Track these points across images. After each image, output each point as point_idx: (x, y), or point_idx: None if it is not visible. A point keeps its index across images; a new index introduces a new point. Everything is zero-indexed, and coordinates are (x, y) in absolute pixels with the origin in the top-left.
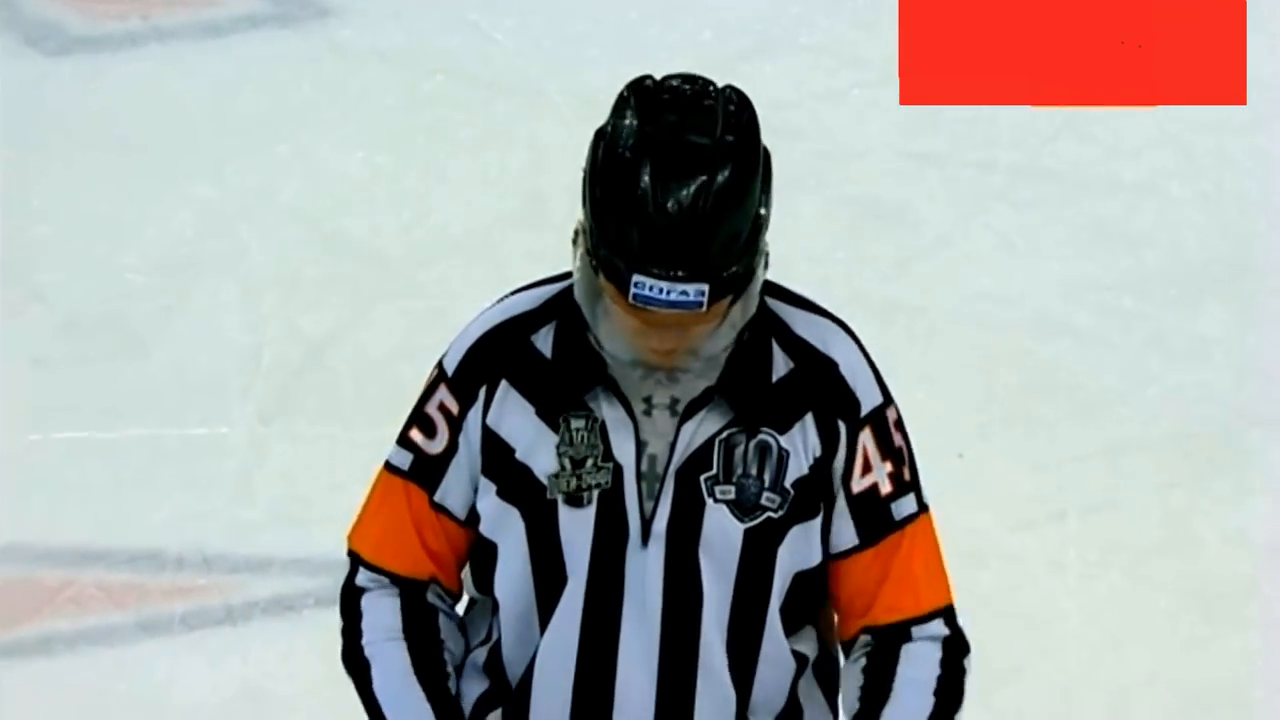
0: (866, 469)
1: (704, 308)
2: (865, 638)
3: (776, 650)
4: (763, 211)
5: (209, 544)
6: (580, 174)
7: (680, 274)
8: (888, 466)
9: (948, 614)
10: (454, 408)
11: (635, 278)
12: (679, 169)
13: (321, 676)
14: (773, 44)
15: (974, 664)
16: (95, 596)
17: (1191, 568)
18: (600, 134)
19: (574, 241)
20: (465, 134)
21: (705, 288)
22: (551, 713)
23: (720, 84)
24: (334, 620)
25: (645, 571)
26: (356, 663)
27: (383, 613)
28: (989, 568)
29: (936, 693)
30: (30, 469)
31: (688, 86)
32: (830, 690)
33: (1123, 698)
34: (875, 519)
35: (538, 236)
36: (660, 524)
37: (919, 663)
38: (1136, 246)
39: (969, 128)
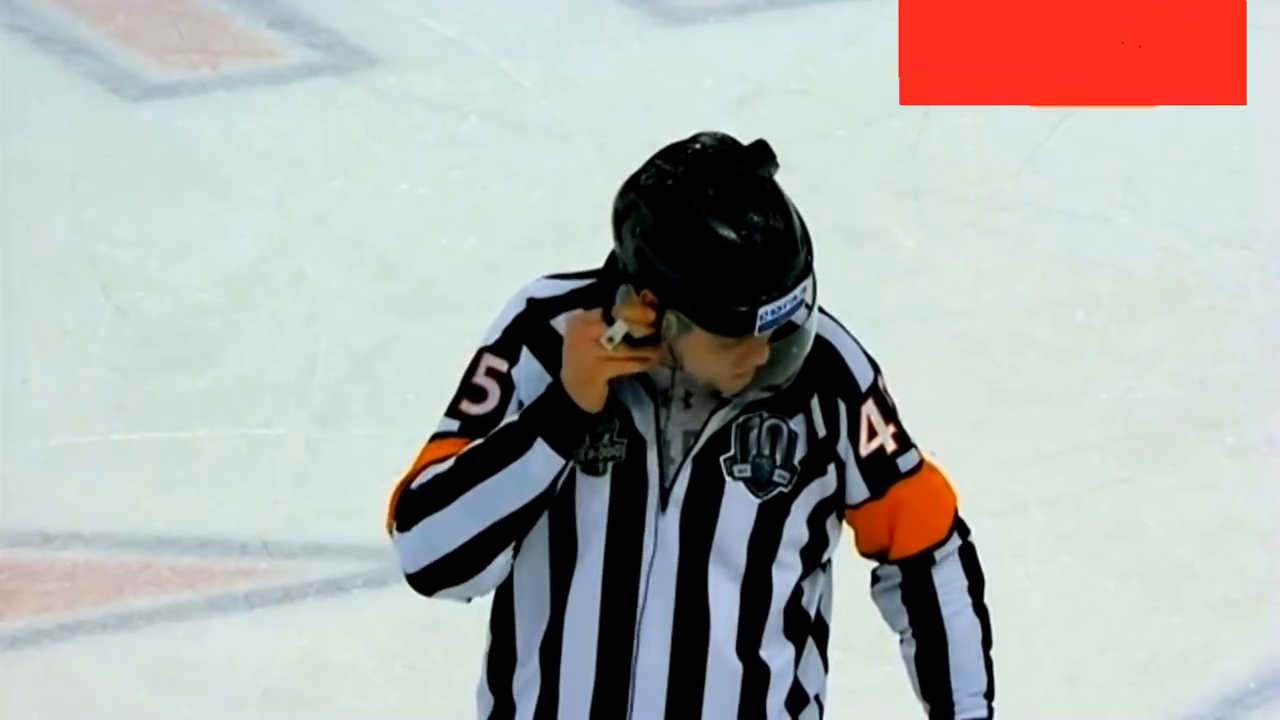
0: (873, 434)
1: (812, 301)
2: (893, 568)
3: (780, 622)
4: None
5: (269, 532)
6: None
7: (789, 283)
8: (891, 428)
9: (958, 524)
10: (502, 366)
11: (761, 310)
12: (743, 203)
13: (367, 649)
14: (767, 90)
15: None
16: (169, 578)
17: (1137, 553)
18: (644, 223)
19: (656, 325)
20: (496, 169)
21: (807, 283)
22: (578, 668)
23: (700, 132)
24: (379, 600)
25: (663, 536)
26: (418, 494)
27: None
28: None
29: (974, 607)
30: (112, 466)
31: (690, 145)
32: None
33: (1078, 667)
34: (883, 473)
35: (560, 259)
36: (679, 491)
37: (952, 588)
38: (1089, 269)
39: (942, 164)
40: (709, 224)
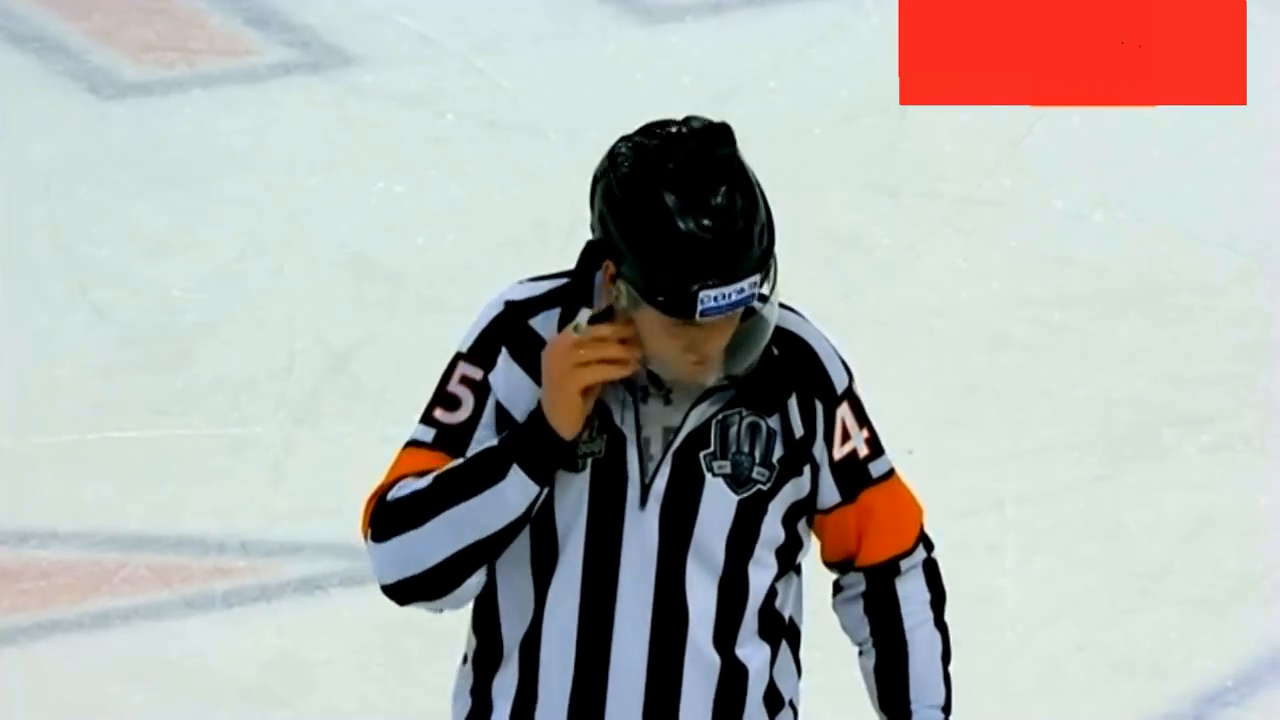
0: (846, 438)
1: (769, 294)
2: (857, 575)
3: (756, 623)
4: (766, 199)
5: (246, 531)
6: (593, 224)
7: (737, 274)
8: (864, 433)
9: (922, 537)
10: (477, 375)
11: (701, 294)
12: (701, 185)
13: (345, 647)
14: (743, 88)
15: None
16: (147, 577)
17: (1113, 550)
18: (609, 190)
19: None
20: (473, 167)
21: (758, 278)
22: (557, 664)
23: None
24: (356, 598)
25: (643, 532)
26: (394, 508)
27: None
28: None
29: (935, 621)
30: (89, 464)
31: (673, 123)
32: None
33: (1055, 665)
34: (855, 478)
35: (538, 257)
36: (659, 486)
37: (915, 601)
38: (1065, 267)
39: (919, 162)
40: (664, 201)
